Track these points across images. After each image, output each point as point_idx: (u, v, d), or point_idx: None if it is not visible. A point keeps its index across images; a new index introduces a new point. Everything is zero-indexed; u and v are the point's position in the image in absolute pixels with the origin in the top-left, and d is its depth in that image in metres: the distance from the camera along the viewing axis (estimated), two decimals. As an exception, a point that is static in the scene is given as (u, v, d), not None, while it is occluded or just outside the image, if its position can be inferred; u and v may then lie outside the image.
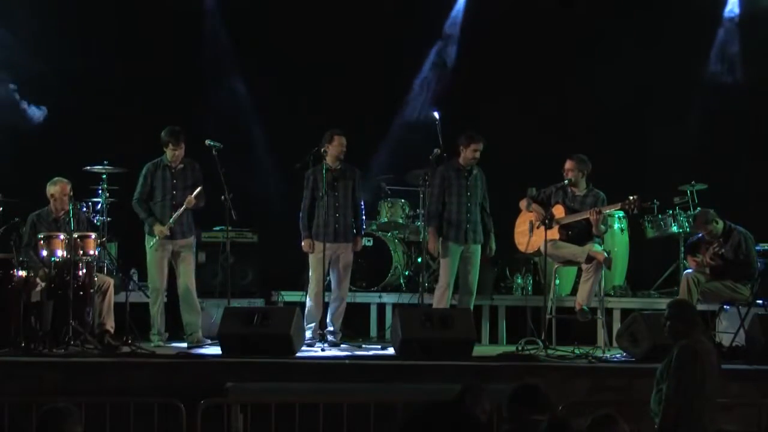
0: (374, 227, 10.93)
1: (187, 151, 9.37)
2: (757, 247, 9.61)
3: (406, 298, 10.34)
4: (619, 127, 11.48)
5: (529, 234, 9.40)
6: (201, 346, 9.11)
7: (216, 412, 7.28)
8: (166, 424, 7.17)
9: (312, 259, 9.48)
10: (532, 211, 9.51)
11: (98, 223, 10.19)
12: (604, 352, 9.02)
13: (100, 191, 10.44)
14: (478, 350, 8.91)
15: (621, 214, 10.57)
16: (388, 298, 10.61)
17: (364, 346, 9.60)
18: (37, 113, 11.03)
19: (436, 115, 10.05)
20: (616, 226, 10.77)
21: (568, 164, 9.44)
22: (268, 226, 10.85)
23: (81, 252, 8.67)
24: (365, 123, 11.18)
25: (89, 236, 8.85)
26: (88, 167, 10.41)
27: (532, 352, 8.87)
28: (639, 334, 8.54)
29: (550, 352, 8.85)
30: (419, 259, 10.50)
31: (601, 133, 11.19)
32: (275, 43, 11.58)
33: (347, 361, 8.52)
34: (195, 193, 9.20)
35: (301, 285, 9.88)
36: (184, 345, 9.16)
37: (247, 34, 11.74)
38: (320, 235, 9.42)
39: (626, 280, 10.95)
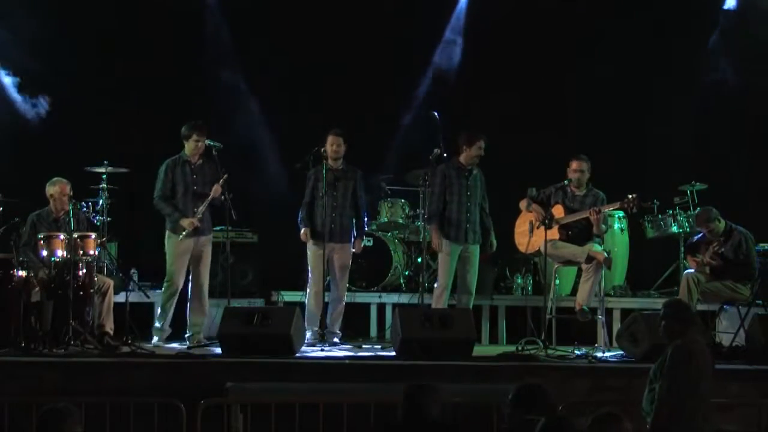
0: (374, 227, 10.93)
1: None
2: (757, 248, 9.60)
3: (406, 298, 10.34)
4: (619, 127, 11.48)
5: (530, 234, 9.40)
6: (201, 347, 9.10)
7: (216, 412, 7.28)
8: (166, 424, 7.17)
9: (310, 259, 9.48)
10: (531, 212, 9.51)
11: (98, 223, 10.19)
12: (604, 352, 9.01)
13: (100, 191, 10.45)
14: (478, 350, 8.90)
15: (621, 214, 10.58)
16: (388, 298, 10.61)
17: (364, 346, 9.60)
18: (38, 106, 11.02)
19: (436, 114, 10.05)
20: (616, 226, 10.77)
21: (576, 164, 9.41)
22: (268, 226, 10.85)
23: (81, 252, 8.67)
24: (366, 123, 11.19)
25: (89, 236, 8.84)
26: (88, 167, 10.41)
27: (532, 352, 8.86)
28: (639, 334, 8.53)
29: (550, 352, 8.85)
30: (419, 259, 10.50)
31: (601, 133, 11.18)
32: (276, 42, 11.58)
33: (347, 361, 8.52)
34: (221, 180, 9.19)
35: (301, 285, 9.89)
36: (185, 345, 9.16)
37: (247, 32, 11.74)
38: (315, 234, 9.42)
39: (626, 280, 10.95)
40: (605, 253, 9.30)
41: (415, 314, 8.82)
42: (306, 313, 9.36)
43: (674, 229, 10.68)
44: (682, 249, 10.45)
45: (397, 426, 5.90)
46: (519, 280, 10.87)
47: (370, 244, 10.69)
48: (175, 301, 9.33)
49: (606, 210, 9.38)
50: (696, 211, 9.99)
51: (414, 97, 11.62)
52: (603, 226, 9.37)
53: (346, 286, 9.67)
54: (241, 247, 10.61)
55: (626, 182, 9.94)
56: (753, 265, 9.29)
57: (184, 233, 9.13)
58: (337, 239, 9.43)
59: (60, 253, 8.67)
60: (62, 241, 8.69)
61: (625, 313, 9.87)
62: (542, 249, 9.17)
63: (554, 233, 9.34)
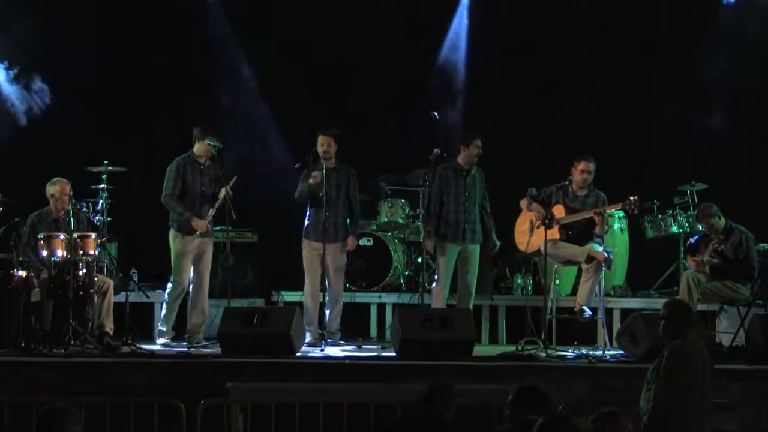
0: (374, 227, 10.93)
1: (186, 150, 9.38)
2: (757, 248, 9.60)
3: (406, 298, 10.33)
4: (619, 127, 11.48)
5: (530, 233, 9.40)
6: (201, 347, 9.10)
7: (216, 412, 7.28)
8: (166, 424, 7.18)
9: (305, 259, 9.47)
10: (532, 211, 9.51)
11: (98, 223, 10.19)
12: (604, 352, 9.01)
13: (100, 191, 10.44)
14: (478, 350, 8.90)
15: (621, 214, 10.57)
16: (388, 298, 10.61)
17: (364, 346, 9.59)
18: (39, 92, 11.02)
19: (436, 114, 10.05)
20: (616, 226, 10.77)
21: (584, 165, 9.37)
22: (268, 226, 10.85)
23: (81, 252, 8.66)
24: (366, 122, 11.18)
25: (89, 236, 8.84)
26: (88, 167, 10.41)
27: (532, 352, 8.86)
28: (639, 334, 8.53)
29: (550, 352, 8.84)
30: (419, 259, 10.50)
31: (601, 133, 11.18)
32: (276, 42, 11.58)
33: (347, 361, 8.52)
34: (231, 182, 9.20)
35: (301, 285, 9.87)
36: (185, 345, 9.15)
37: (249, 31, 11.75)
38: (311, 234, 9.42)
39: (626, 280, 10.95)
40: (606, 253, 9.30)
41: (415, 314, 8.82)
42: (303, 314, 9.35)
43: (674, 229, 10.69)
44: (682, 249, 10.46)
45: (404, 425, 5.94)
46: (519, 280, 10.87)
47: (370, 244, 10.69)
48: (179, 302, 9.33)
49: (608, 211, 9.38)
50: (696, 211, 9.99)
51: (414, 97, 11.60)
52: (605, 226, 9.38)
53: (342, 285, 9.65)
54: (241, 247, 10.62)
55: (626, 182, 9.95)
56: (753, 264, 9.28)
57: (197, 234, 9.12)
58: (331, 238, 9.41)
59: (60, 253, 8.66)
60: (62, 241, 8.68)
61: (625, 313, 9.87)
62: (542, 248, 9.16)
63: (554, 233, 9.33)
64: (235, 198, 9.33)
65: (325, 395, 7.46)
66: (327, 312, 9.47)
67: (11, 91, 11.02)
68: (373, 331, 10.61)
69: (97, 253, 8.93)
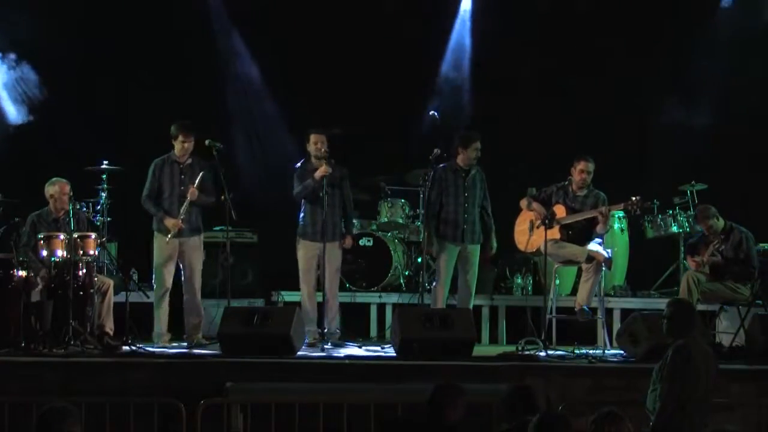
0: (374, 227, 10.93)
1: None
2: (757, 248, 9.60)
3: (406, 298, 10.33)
4: (619, 127, 11.48)
5: (529, 233, 9.40)
6: (201, 347, 9.10)
7: (216, 412, 7.28)
8: (166, 424, 7.18)
9: (302, 260, 9.46)
10: (532, 211, 9.51)
11: (98, 223, 10.19)
12: (604, 352, 9.01)
13: (100, 191, 10.44)
14: (478, 350, 8.90)
15: (621, 213, 10.57)
16: (388, 298, 10.61)
17: (364, 346, 9.59)
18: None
19: (436, 114, 10.05)
20: (616, 226, 10.77)
21: (583, 165, 9.36)
22: (268, 226, 10.85)
23: (81, 252, 8.66)
24: (366, 122, 11.18)
25: (89, 236, 8.84)
26: (89, 167, 10.41)
27: (532, 352, 8.86)
28: (639, 334, 8.53)
29: (550, 352, 8.84)
30: (419, 259, 10.50)
31: (601, 133, 11.18)
32: (276, 41, 11.58)
33: (347, 361, 8.52)
34: (197, 182, 9.18)
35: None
36: (185, 345, 9.16)
37: (250, 31, 11.75)
38: (308, 234, 9.41)
39: (626, 280, 10.94)
40: (606, 253, 9.30)
41: (415, 314, 8.81)
42: (302, 314, 9.33)
43: (674, 229, 10.69)
44: (682, 249, 10.45)
45: (411, 424, 5.96)
46: (519, 280, 10.86)
47: (370, 244, 10.69)
48: (166, 301, 9.31)
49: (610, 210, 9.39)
50: (696, 211, 9.99)
51: (415, 97, 11.60)
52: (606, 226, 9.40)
53: (338, 284, 9.63)
54: (241, 247, 10.62)
55: (626, 182, 9.94)
56: (753, 264, 9.28)
57: (170, 235, 9.12)
58: (330, 238, 9.40)
59: (60, 253, 8.66)
60: (62, 241, 8.68)
61: (625, 313, 9.86)
62: (542, 248, 9.16)
63: (554, 233, 9.33)
64: (235, 198, 9.33)
65: (325, 395, 7.45)
66: (325, 312, 9.45)
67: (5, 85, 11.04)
68: (373, 331, 10.61)
69: (97, 253, 8.93)
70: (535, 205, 9.51)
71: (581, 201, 9.46)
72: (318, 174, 9.22)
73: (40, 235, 8.83)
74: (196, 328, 9.29)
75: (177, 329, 9.45)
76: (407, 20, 11.63)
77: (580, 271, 9.58)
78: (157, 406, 7.18)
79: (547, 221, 9.19)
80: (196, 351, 8.88)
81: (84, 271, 8.70)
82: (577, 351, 8.91)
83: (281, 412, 7.17)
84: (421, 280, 9.88)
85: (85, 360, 8.20)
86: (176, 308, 9.44)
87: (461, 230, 9.44)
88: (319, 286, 9.48)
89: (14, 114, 11.07)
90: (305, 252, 9.44)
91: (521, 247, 9.61)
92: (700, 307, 9.36)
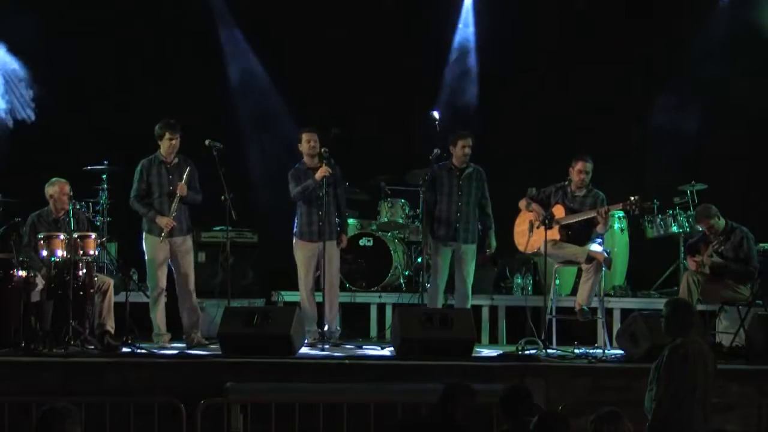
0: (374, 227, 10.93)
1: (188, 150, 9.36)
2: (757, 248, 9.59)
3: (406, 298, 10.33)
4: (618, 127, 11.48)
5: (529, 233, 9.39)
6: (201, 347, 9.10)
7: (216, 412, 7.29)
8: (166, 424, 7.18)
9: (300, 260, 9.45)
10: (531, 211, 9.50)
11: (98, 223, 10.18)
12: (604, 352, 9.01)
13: (100, 191, 10.44)
14: (478, 350, 8.90)
15: (621, 213, 10.58)
16: (388, 298, 10.61)
17: (364, 346, 9.59)
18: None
19: (436, 114, 10.05)
20: (616, 226, 10.77)
21: (581, 165, 9.34)
22: (268, 226, 10.85)
23: (81, 252, 8.66)
24: (366, 122, 11.18)
25: (89, 236, 8.83)
26: (89, 167, 10.41)
27: (532, 352, 8.86)
28: (639, 334, 8.53)
29: (550, 352, 8.85)
30: (419, 259, 10.50)
31: (601, 133, 11.18)
32: (277, 41, 11.58)
33: (347, 361, 8.51)
34: (184, 178, 9.15)
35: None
36: (185, 345, 9.16)
37: (250, 31, 11.75)
38: (306, 234, 9.41)
39: (626, 280, 10.95)
40: (605, 253, 9.30)
41: (415, 314, 8.81)
42: (302, 314, 9.33)
43: (674, 229, 10.69)
44: (682, 249, 10.45)
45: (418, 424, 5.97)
46: (519, 280, 10.87)
47: (370, 244, 10.69)
48: (162, 301, 9.29)
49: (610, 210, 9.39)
50: (696, 211, 9.98)
51: (416, 97, 11.60)
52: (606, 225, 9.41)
53: (338, 283, 9.63)
54: (241, 247, 10.61)
55: (626, 182, 9.94)
56: (753, 264, 9.27)
57: (163, 234, 9.10)
58: (327, 237, 9.38)
59: (60, 253, 8.66)
60: (62, 241, 8.68)
61: (625, 313, 9.87)
62: (542, 249, 9.16)
63: (554, 233, 9.33)
64: (235, 198, 9.33)
65: (325, 395, 7.46)
66: (325, 311, 9.44)
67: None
68: (373, 331, 10.62)
69: (97, 253, 8.93)
70: (534, 205, 9.50)
71: (580, 201, 9.46)
72: (319, 175, 9.22)
73: (40, 235, 8.82)
74: (194, 326, 9.28)
75: (177, 329, 9.44)
76: (408, 19, 11.64)
77: (580, 272, 9.58)
78: (157, 406, 7.18)
79: (546, 222, 9.19)
80: (195, 351, 8.87)
81: (84, 271, 8.70)
82: (577, 351, 8.91)
83: (281, 412, 7.18)
84: (421, 280, 9.87)
85: (85, 360, 8.20)
86: (173, 308, 9.42)
87: (453, 229, 9.41)
88: (319, 286, 9.48)
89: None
90: (304, 252, 9.44)
91: (521, 248, 9.61)
92: (700, 307, 9.37)
